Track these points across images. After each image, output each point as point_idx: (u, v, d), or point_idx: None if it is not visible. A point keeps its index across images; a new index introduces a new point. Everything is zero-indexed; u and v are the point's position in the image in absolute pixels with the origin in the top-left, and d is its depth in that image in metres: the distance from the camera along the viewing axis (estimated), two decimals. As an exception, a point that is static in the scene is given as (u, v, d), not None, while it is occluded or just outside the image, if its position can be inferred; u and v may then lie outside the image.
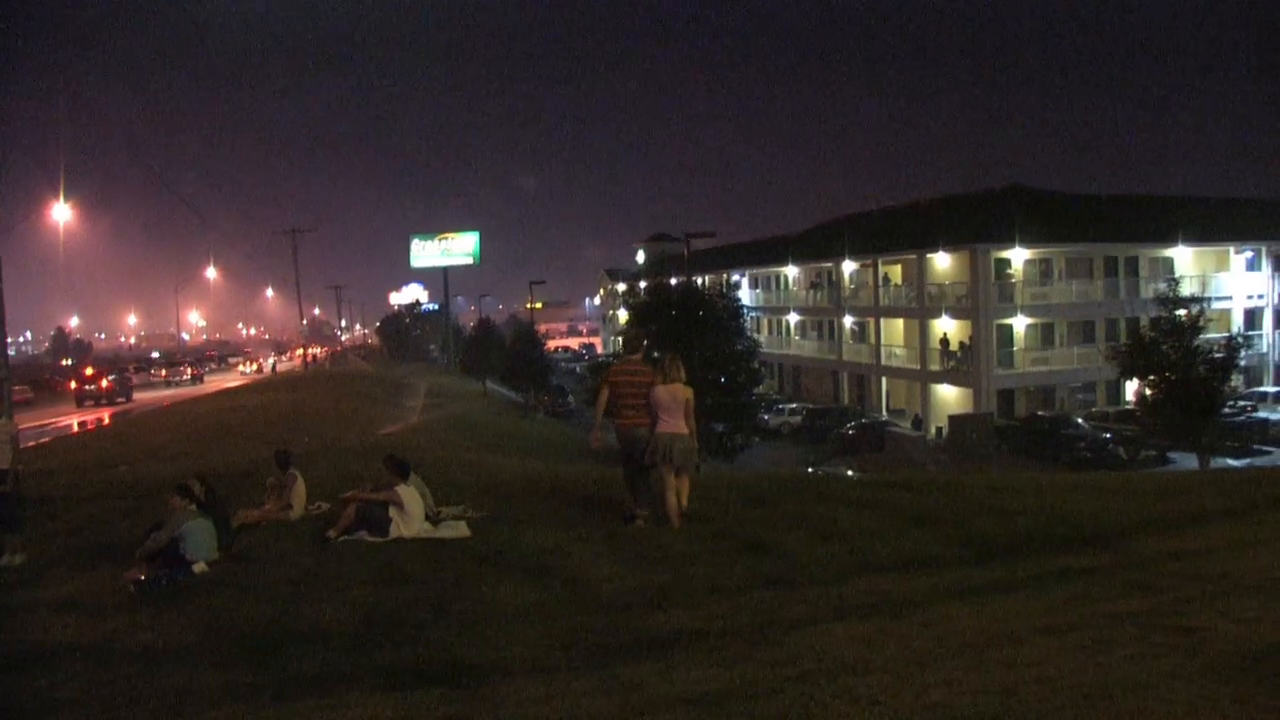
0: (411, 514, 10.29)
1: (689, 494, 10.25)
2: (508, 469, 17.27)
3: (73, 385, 55.95)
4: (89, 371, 58.13)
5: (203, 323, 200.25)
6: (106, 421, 41.60)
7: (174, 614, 7.65)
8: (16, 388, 58.73)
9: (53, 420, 43.84)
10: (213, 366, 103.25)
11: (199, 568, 8.97)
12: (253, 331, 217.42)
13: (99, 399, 52.72)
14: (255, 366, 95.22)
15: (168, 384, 73.94)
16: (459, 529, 10.42)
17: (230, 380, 75.49)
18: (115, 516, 12.67)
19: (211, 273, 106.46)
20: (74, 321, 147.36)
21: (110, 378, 55.53)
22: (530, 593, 7.79)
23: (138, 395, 57.90)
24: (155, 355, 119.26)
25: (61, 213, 41.45)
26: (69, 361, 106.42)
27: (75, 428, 39.68)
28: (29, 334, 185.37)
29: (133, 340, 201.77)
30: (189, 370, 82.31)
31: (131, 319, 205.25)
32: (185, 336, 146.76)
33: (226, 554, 9.49)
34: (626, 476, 10.55)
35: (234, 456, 19.99)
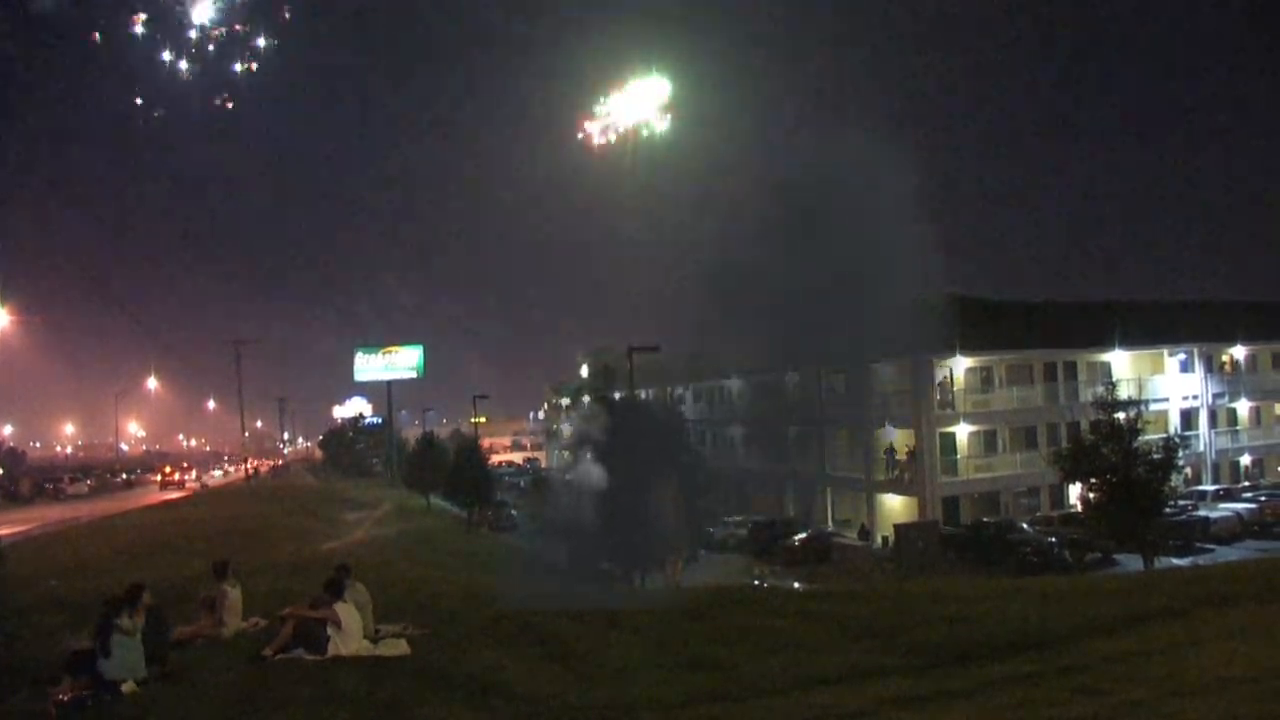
0: (350, 632, 10.05)
1: None
2: (450, 585, 16.97)
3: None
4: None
5: (142, 433, 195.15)
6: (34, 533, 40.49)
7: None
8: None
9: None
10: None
11: (128, 687, 8.63)
12: (194, 443, 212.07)
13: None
14: (223, 473, 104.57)
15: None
16: (399, 646, 10.20)
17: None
18: (41, 634, 12.18)
19: (152, 383, 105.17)
20: (7, 429, 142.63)
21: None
22: (470, 712, 7.60)
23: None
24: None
25: (-1, 319, 40.65)
26: (1, 471, 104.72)
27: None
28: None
29: (69, 450, 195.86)
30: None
31: (69, 428, 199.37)
32: (124, 447, 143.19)
33: (160, 672, 9.16)
34: None
35: (166, 571, 19.41)
